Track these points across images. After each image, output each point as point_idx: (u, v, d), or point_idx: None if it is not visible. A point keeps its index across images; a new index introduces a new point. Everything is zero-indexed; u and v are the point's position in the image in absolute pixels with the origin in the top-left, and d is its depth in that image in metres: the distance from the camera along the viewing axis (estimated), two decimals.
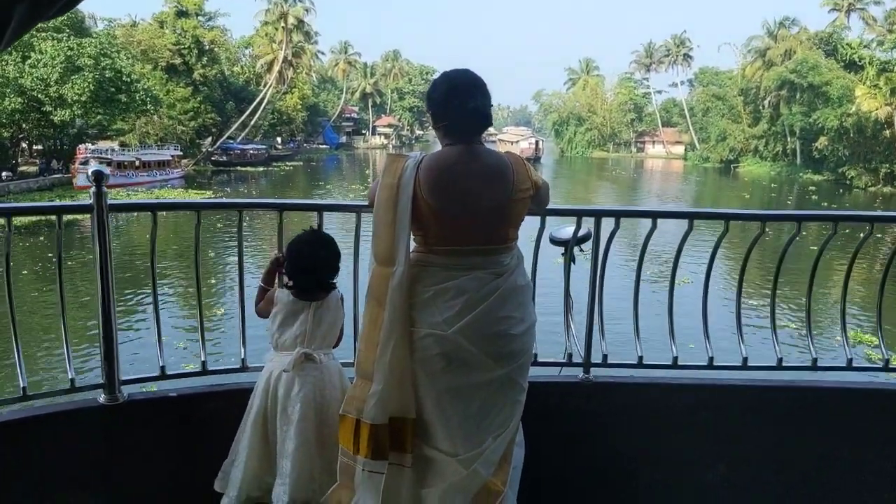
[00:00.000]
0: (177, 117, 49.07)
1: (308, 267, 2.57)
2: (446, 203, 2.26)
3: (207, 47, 54.03)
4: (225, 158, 55.09)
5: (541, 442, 2.59)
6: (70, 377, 2.69)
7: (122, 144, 47.33)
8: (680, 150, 79.54)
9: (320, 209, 2.86)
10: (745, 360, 3.09)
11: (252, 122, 58.61)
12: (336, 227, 2.90)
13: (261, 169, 55.10)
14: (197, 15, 53.11)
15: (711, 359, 3.10)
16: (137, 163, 39.55)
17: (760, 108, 60.73)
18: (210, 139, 56.36)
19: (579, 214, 2.99)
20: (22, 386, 2.60)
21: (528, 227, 2.51)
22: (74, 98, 34.51)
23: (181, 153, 45.84)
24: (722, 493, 3.07)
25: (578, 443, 2.98)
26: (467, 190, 2.27)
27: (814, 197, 41.38)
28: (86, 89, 34.44)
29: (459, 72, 2.39)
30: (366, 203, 2.61)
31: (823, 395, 3.13)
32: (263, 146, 62.08)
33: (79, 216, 2.89)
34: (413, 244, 2.34)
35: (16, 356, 2.65)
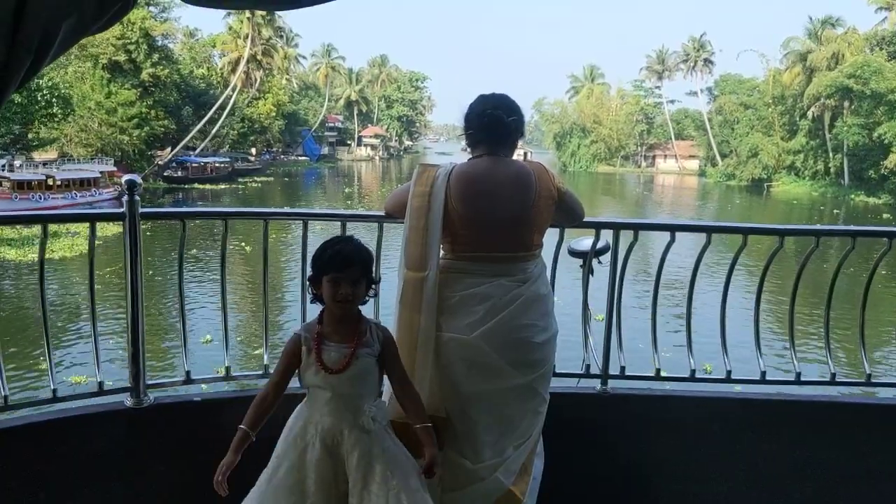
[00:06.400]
0: (118, 125, 40.60)
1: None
2: (474, 211, 2.35)
3: (160, 43, 45.69)
4: (180, 173, 46.30)
5: (558, 452, 2.61)
6: (98, 380, 2.74)
7: (64, 156, 39.15)
8: (694, 164, 72.24)
9: (343, 219, 2.92)
10: (764, 374, 3.10)
11: (214, 131, 50.07)
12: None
13: (223, 186, 46.44)
14: (148, 5, 44.67)
15: (729, 372, 3.08)
16: (50, 182, 30.88)
17: (798, 119, 53.29)
18: (169, 150, 47.92)
19: (597, 227, 2.98)
20: (52, 388, 2.67)
21: (547, 240, 2.56)
22: None
23: (113, 168, 37.16)
24: None
25: (595, 454, 2.97)
26: (494, 198, 2.35)
27: None
28: None
29: (496, 94, 2.51)
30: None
31: (841, 410, 3.16)
32: (227, 159, 53.34)
33: None
34: (441, 251, 2.39)
35: (47, 360, 2.76)
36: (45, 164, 35.88)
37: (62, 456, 2.62)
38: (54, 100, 30.22)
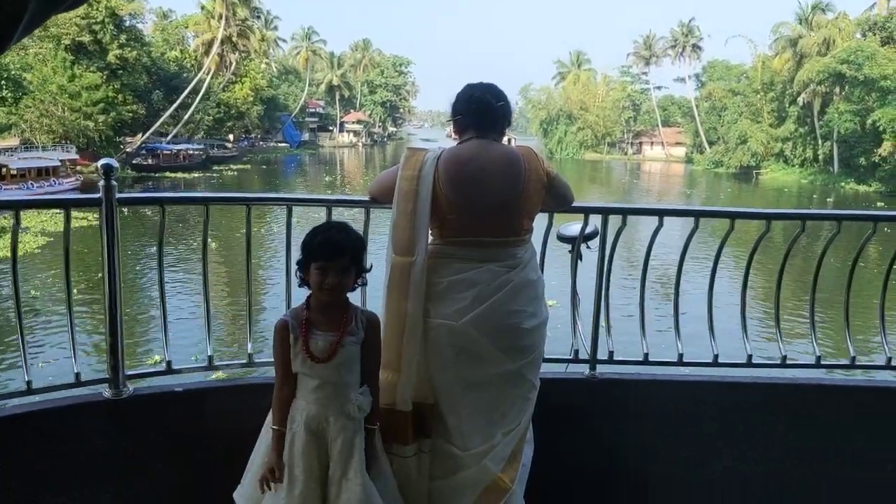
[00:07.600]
0: (83, 109, 38.62)
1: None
2: (463, 195, 2.32)
3: (128, 23, 43.62)
4: (151, 161, 44.18)
5: (546, 438, 2.61)
6: (75, 371, 2.67)
7: (26, 144, 37.18)
8: (680, 152, 71.17)
9: (329, 204, 2.87)
10: (750, 357, 3.14)
11: (187, 116, 48.05)
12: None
13: (197, 174, 44.39)
14: None
15: (716, 356, 3.12)
16: (3, 171, 29.02)
17: (787, 106, 52.18)
18: (140, 136, 45.92)
19: (586, 212, 2.96)
20: (27, 379, 2.59)
21: (536, 225, 2.54)
22: None
23: (75, 156, 35.25)
24: (726, 490, 3.08)
25: (584, 439, 2.98)
26: (483, 182, 2.32)
27: None
28: None
29: (483, 82, 2.50)
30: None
31: (827, 393, 3.19)
32: (201, 146, 51.20)
33: None
34: (429, 236, 2.37)
35: (21, 350, 2.69)
36: (2, 151, 33.98)
37: (39, 449, 2.56)
38: (3, 82, 28.30)
